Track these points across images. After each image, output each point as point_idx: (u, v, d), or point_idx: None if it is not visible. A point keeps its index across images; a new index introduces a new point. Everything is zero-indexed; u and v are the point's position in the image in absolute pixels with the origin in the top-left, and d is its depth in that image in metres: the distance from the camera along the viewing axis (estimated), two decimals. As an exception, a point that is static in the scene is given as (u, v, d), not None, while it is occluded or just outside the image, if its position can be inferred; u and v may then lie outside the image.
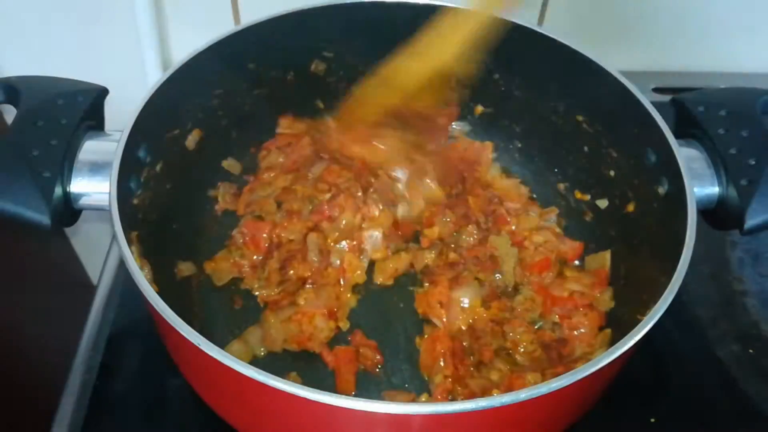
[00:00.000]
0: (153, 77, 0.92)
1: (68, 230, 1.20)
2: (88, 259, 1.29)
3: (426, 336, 0.76)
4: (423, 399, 0.71)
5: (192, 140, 0.81)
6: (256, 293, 0.80)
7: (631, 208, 0.78)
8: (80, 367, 0.74)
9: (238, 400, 0.59)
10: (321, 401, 0.49)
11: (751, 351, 0.78)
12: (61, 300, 1.16)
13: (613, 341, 0.53)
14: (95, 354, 0.75)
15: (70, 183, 0.66)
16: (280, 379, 0.49)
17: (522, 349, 0.74)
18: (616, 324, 0.73)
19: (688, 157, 0.70)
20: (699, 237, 0.61)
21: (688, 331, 0.80)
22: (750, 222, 0.66)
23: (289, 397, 0.49)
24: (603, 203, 0.84)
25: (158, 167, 0.75)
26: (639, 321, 0.55)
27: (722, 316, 0.81)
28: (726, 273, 0.86)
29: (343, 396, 0.49)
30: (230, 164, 0.89)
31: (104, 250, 0.88)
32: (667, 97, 0.79)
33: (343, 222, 0.82)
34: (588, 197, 0.86)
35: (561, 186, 0.90)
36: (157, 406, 0.71)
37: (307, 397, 0.49)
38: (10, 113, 0.69)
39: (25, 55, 0.91)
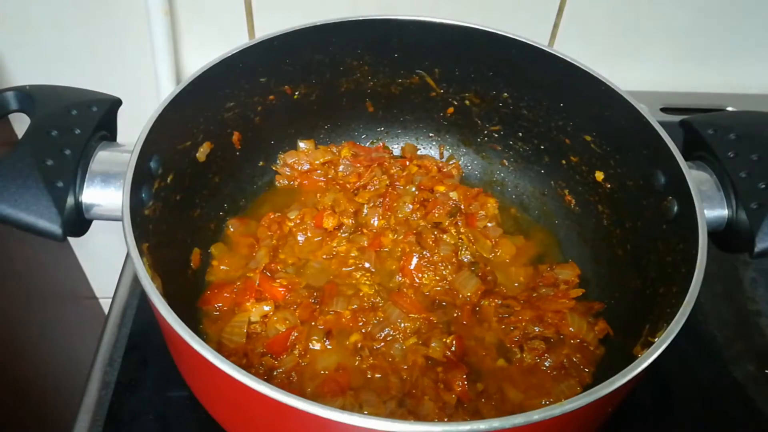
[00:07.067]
0: (166, 89, 0.92)
1: (73, 241, 1.20)
2: (92, 271, 1.29)
3: None
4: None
5: (203, 153, 0.81)
6: None
7: (639, 228, 0.78)
8: (96, 383, 0.73)
9: (255, 420, 0.59)
10: (336, 420, 0.48)
11: (767, 371, 0.78)
12: (66, 311, 1.16)
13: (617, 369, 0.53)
14: (111, 370, 0.74)
15: (82, 193, 0.66)
16: (306, 401, 0.49)
17: None
18: (622, 355, 0.72)
19: (697, 179, 0.70)
20: (710, 256, 0.61)
21: (704, 350, 0.80)
22: (760, 246, 0.66)
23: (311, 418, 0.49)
24: (611, 223, 0.84)
25: (169, 179, 0.75)
26: (652, 343, 0.55)
27: (737, 336, 0.81)
28: (739, 293, 0.86)
29: (356, 414, 0.49)
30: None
31: (107, 261, 0.88)
32: (675, 117, 0.80)
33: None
34: (596, 217, 0.86)
35: (568, 205, 0.90)
36: (173, 423, 0.71)
37: (321, 415, 0.48)
38: (22, 122, 0.69)
39: (39, 66, 0.91)
